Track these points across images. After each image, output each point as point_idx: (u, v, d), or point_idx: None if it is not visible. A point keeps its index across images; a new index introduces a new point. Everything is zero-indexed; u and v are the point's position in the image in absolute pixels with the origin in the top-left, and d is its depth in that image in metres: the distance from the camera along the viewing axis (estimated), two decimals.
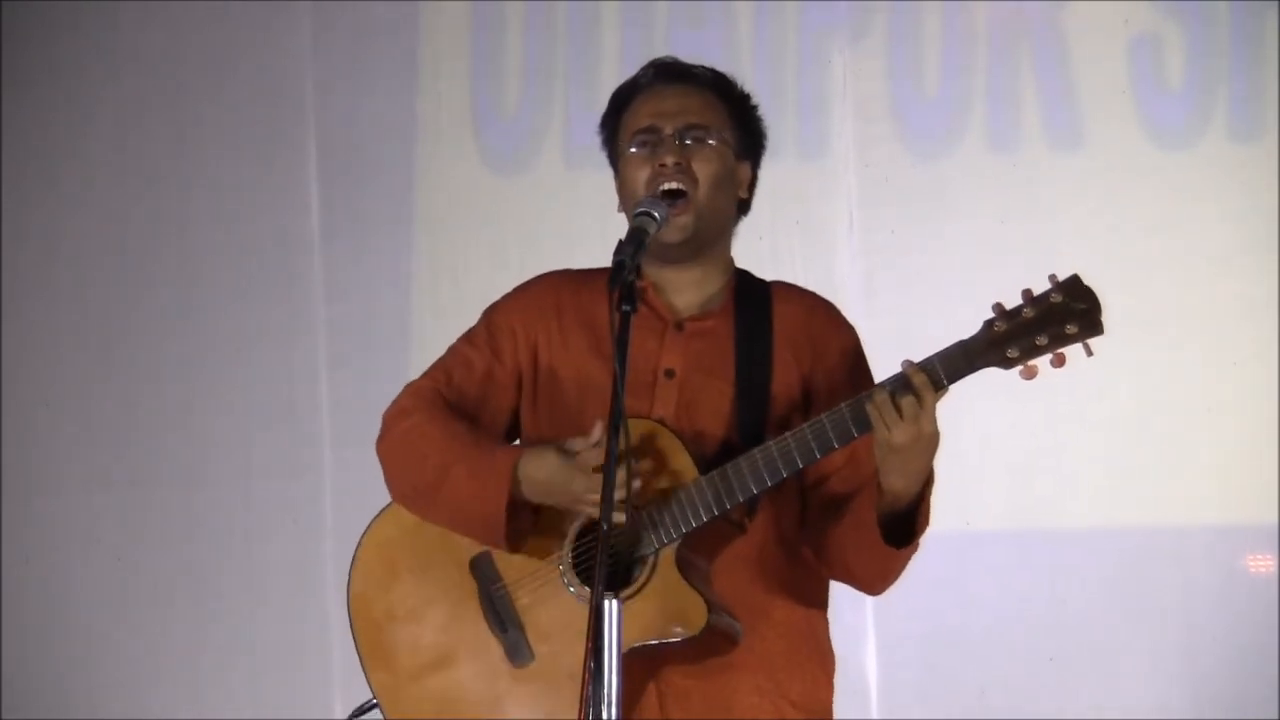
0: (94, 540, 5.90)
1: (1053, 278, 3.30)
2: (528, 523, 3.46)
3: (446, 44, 5.73)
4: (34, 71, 6.00)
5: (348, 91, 5.80)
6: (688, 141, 3.50)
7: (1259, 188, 5.04)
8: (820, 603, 3.58)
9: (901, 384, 3.29)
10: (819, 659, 3.55)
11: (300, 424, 5.79)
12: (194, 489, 5.86)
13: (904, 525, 3.40)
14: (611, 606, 3.09)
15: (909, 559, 3.46)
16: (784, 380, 3.52)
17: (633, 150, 3.52)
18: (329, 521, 5.73)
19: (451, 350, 3.63)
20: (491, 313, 3.64)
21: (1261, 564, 4.96)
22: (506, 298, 3.65)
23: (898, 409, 3.27)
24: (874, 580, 3.53)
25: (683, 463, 3.39)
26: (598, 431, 3.31)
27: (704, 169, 3.49)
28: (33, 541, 5.93)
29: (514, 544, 3.46)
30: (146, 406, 5.90)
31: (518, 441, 3.62)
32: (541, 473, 3.39)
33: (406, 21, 5.75)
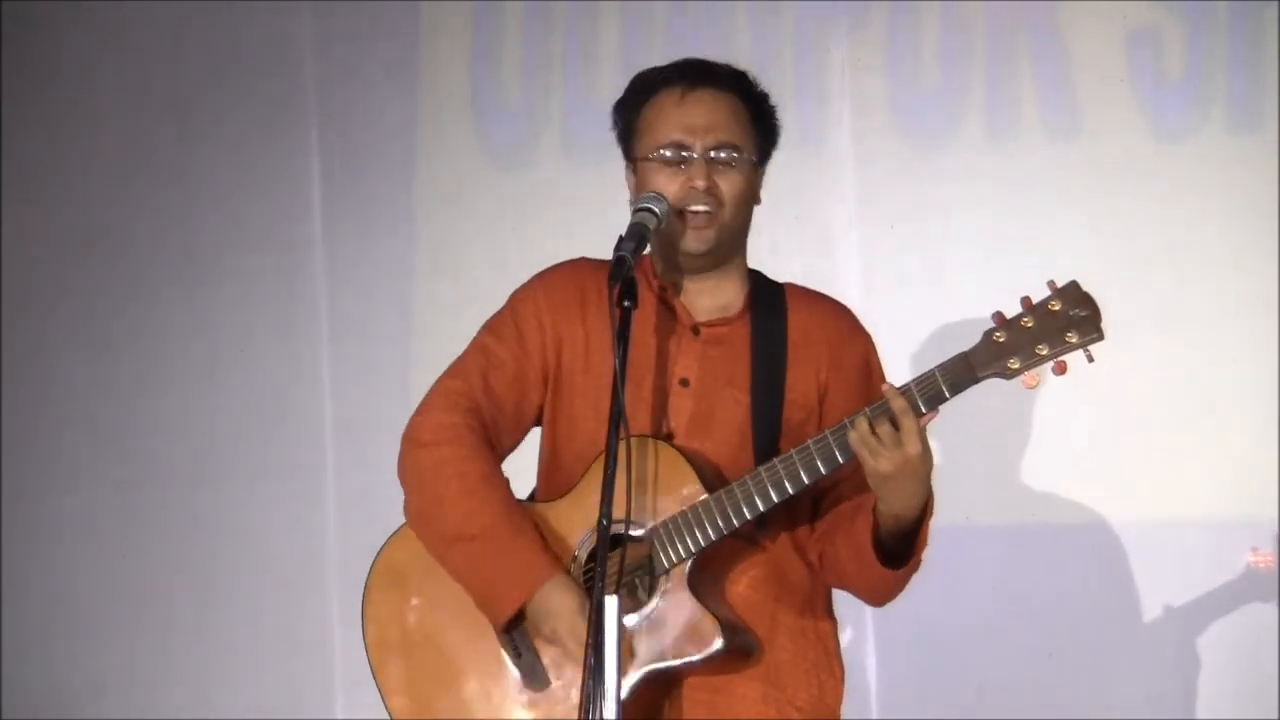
0: (96, 540, 5.89)
1: (1051, 284, 3.30)
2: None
3: (447, 39, 5.72)
4: (34, 71, 5.99)
5: (348, 87, 5.80)
6: (716, 159, 3.50)
7: (1259, 180, 5.02)
8: (828, 608, 3.59)
9: (882, 410, 3.28)
10: (827, 665, 3.55)
11: (302, 422, 5.79)
12: (196, 488, 5.85)
13: (904, 546, 3.40)
14: (611, 603, 3.11)
15: (908, 579, 3.47)
16: (799, 388, 3.52)
17: (658, 159, 3.51)
18: (331, 520, 5.73)
19: (482, 346, 3.59)
20: (517, 302, 3.61)
21: (1262, 561, 4.96)
22: (531, 286, 3.62)
23: (878, 436, 3.27)
24: (873, 596, 3.55)
25: (690, 481, 3.39)
26: None
27: (730, 188, 3.50)
28: (34, 541, 5.92)
29: (500, 632, 3.47)
30: (148, 405, 5.90)
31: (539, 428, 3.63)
32: (553, 604, 3.39)
33: (407, 17, 5.75)
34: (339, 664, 5.56)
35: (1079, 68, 5.18)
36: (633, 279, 3.28)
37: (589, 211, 5.23)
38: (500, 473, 3.52)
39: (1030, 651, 5.11)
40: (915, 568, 3.44)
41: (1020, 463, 5.16)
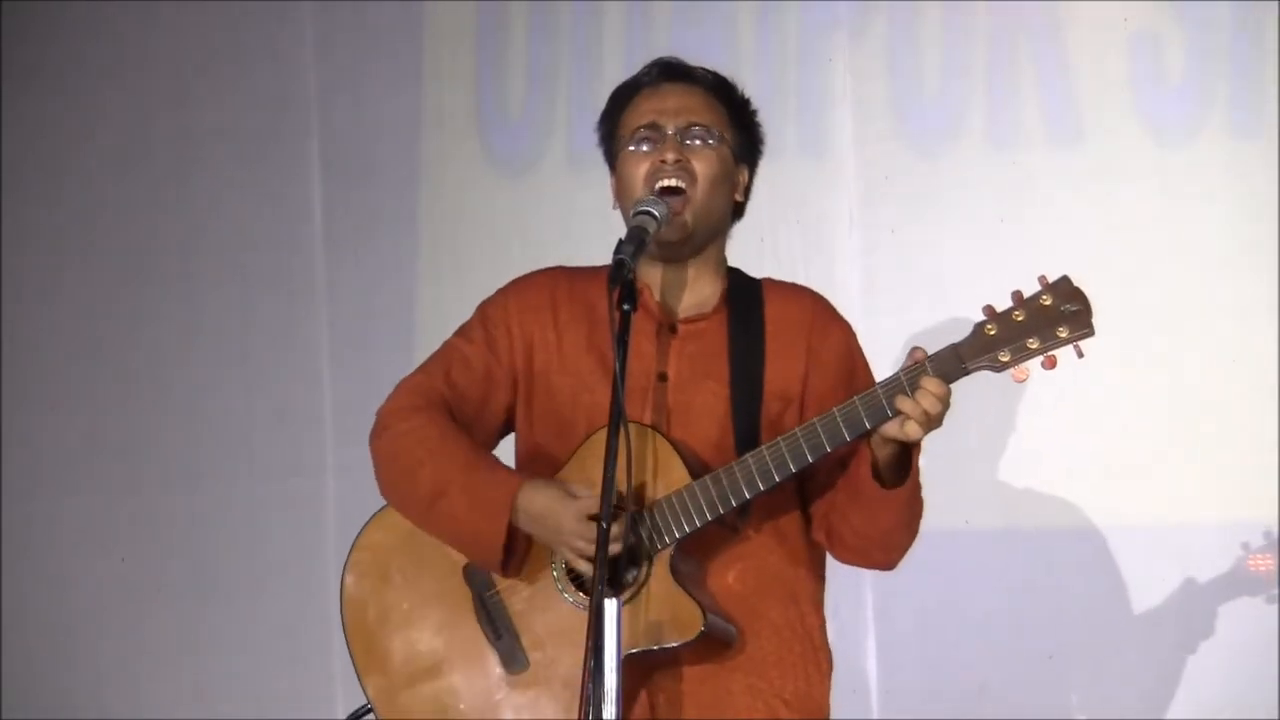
0: (96, 541, 5.90)
1: (1042, 279, 3.31)
2: (524, 550, 3.47)
3: (450, 45, 5.73)
4: (37, 73, 6.00)
5: (351, 92, 5.81)
6: (688, 140, 3.53)
7: (1259, 184, 5.03)
8: (815, 601, 3.59)
9: (899, 386, 3.30)
10: (813, 657, 3.55)
11: (303, 424, 5.80)
12: (197, 489, 5.86)
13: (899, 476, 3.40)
14: (611, 605, 3.11)
15: (915, 515, 3.46)
16: (778, 380, 3.54)
17: (632, 148, 3.55)
18: (331, 522, 5.73)
19: (448, 346, 3.63)
20: (486, 308, 3.64)
21: (1261, 563, 4.95)
22: (501, 293, 3.66)
23: (926, 411, 3.26)
24: (885, 547, 3.50)
25: (676, 468, 3.40)
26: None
27: (703, 167, 3.52)
28: (34, 543, 5.93)
29: (509, 572, 3.47)
30: (149, 407, 5.91)
31: (513, 435, 3.64)
32: (536, 505, 3.39)
33: (410, 23, 5.76)
34: (339, 664, 5.52)
35: (1079, 72, 5.18)
36: (632, 281, 3.29)
37: (592, 219, 5.20)
38: (459, 431, 3.51)
39: (1031, 653, 5.12)
40: (917, 493, 3.42)
41: (1019, 466, 5.17)
